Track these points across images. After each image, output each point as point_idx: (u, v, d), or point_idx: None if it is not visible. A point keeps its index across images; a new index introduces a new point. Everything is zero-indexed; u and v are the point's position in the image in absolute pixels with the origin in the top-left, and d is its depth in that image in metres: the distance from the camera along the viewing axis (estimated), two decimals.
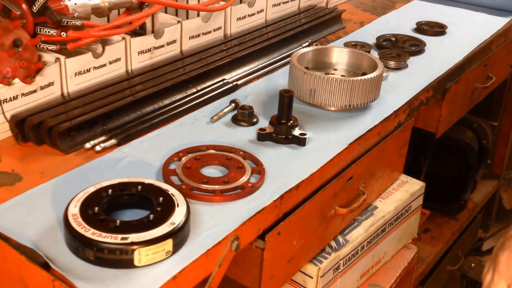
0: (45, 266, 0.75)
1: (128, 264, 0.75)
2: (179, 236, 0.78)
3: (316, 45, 1.42)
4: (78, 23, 1.07)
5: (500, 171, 2.12)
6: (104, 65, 1.14)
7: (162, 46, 1.25)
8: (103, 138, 1.01)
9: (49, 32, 1.04)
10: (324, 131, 1.10)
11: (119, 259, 0.74)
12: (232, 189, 0.91)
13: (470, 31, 1.61)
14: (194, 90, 1.19)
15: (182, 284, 0.77)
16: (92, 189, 0.84)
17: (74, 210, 0.79)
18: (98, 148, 0.98)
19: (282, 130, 1.05)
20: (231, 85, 1.22)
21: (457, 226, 1.85)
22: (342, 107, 1.16)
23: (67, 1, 1.09)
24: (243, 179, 0.93)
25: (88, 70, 1.11)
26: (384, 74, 1.23)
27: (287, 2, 1.57)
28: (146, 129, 1.05)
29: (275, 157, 1.01)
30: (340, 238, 1.16)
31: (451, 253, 1.84)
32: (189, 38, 1.31)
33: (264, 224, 0.91)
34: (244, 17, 1.44)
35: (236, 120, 1.11)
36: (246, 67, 1.30)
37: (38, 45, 1.03)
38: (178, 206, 0.82)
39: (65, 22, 1.05)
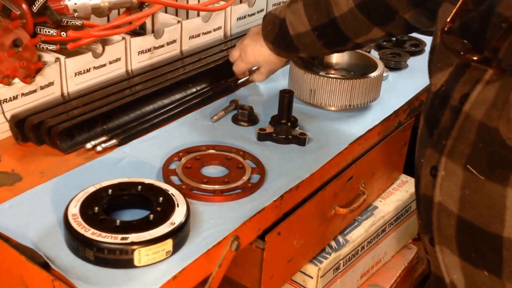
0: (45, 266, 0.75)
1: (128, 264, 0.75)
2: (179, 236, 0.78)
3: None
4: (78, 23, 1.07)
5: None
6: (104, 65, 1.14)
7: (162, 46, 1.25)
8: (103, 138, 1.01)
9: (49, 32, 1.04)
10: (324, 131, 1.10)
11: (119, 259, 0.74)
12: (232, 189, 0.91)
13: None
14: (194, 89, 1.19)
15: (182, 284, 0.77)
16: (92, 189, 0.84)
17: (74, 210, 0.79)
18: (99, 148, 0.98)
19: (282, 130, 1.05)
20: (231, 85, 1.22)
21: None
22: (342, 107, 1.16)
23: (67, 1, 1.09)
24: (243, 179, 0.93)
25: (88, 70, 1.11)
26: (384, 74, 1.23)
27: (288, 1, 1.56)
28: (146, 129, 1.05)
29: (275, 157, 1.01)
30: (340, 238, 1.16)
31: None
32: (189, 38, 1.31)
33: (264, 224, 0.91)
34: (244, 17, 1.44)
35: (236, 120, 1.11)
36: None
37: (38, 45, 1.03)
38: (178, 206, 0.82)
39: (65, 22, 1.05)
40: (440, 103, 0.81)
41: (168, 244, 0.76)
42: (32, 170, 0.93)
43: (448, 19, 0.73)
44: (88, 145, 0.98)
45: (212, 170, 0.97)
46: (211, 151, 1.00)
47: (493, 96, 0.72)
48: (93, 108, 1.04)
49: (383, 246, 1.29)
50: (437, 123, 0.81)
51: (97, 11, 1.16)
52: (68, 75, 1.08)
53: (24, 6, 1.02)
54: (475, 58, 0.71)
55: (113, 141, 1.00)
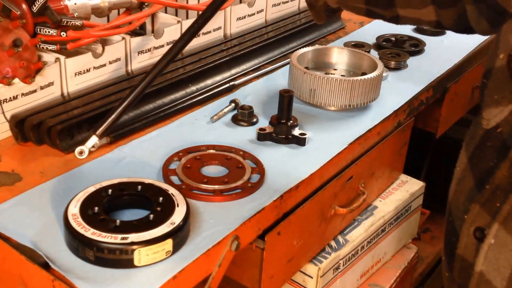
0: (45, 266, 0.75)
1: (128, 264, 0.75)
2: (179, 236, 0.78)
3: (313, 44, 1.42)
4: (78, 23, 1.07)
5: None
6: (104, 65, 1.14)
7: (162, 46, 1.25)
8: (91, 140, 0.95)
9: (49, 32, 1.04)
10: (324, 131, 1.10)
11: (119, 259, 0.75)
12: (232, 189, 0.91)
13: None
14: (194, 88, 1.19)
15: (182, 284, 0.77)
16: (92, 189, 0.84)
17: (74, 210, 0.79)
18: (84, 156, 0.94)
19: (282, 130, 1.05)
20: (231, 84, 1.22)
21: None
22: (342, 107, 1.16)
23: (67, 1, 1.09)
24: (243, 179, 0.93)
25: (88, 70, 1.11)
26: (384, 74, 1.23)
27: (287, 2, 1.57)
28: (142, 127, 1.05)
29: (275, 157, 1.01)
30: (340, 238, 1.16)
31: None
32: None
33: (264, 224, 0.91)
34: (244, 17, 1.44)
35: (236, 120, 1.11)
36: (246, 67, 1.30)
37: (38, 45, 1.03)
38: (178, 206, 0.82)
39: (65, 22, 1.05)
40: (495, 149, 0.68)
41: (168, 244, 0.77)
42: (32, 170, 0.93)
43: None
44: (78, 149, 0.94)
45: (212, 170, 0.97)
46: (211, 151, 1.00)
47: None
48: (93, 108, 1.04)
49: (383, 246, 1.29)
50: (489, 175, 0.68)
51: (97, 11, 1.16)
52: (68, 75, 1.08)
53: (24, 6, 1.02)
54: None
55: (98, 140, 0.95)
